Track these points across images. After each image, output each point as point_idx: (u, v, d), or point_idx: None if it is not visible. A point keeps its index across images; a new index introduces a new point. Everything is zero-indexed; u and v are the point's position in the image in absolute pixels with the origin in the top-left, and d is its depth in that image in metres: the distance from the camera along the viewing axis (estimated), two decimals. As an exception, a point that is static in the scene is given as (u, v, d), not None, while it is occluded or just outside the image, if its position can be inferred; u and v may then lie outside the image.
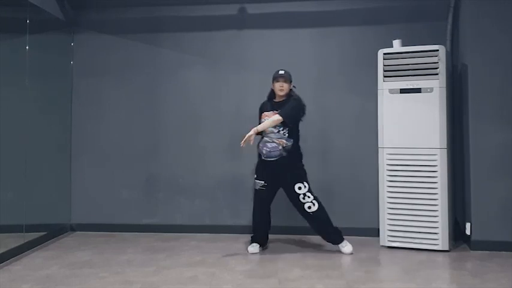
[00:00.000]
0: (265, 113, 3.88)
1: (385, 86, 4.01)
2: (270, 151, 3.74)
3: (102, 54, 4.76)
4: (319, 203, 3.79)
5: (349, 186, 4.47)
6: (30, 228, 4.00)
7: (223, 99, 4.61)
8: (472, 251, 3.86)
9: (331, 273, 3.30)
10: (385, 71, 4.00)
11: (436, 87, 3.86)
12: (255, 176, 3.90)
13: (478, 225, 3.89)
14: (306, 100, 4.51)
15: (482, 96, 3.93)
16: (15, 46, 3.99)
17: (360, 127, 4.45)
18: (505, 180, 3.86)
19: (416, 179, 3.88)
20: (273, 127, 3.75)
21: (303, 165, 3.86)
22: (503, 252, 3.79)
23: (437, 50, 3.86)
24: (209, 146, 4.63)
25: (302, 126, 4.51)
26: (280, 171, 3.77)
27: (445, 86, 3.87)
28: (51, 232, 4.37)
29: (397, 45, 4.04)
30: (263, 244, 3.95)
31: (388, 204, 3.97)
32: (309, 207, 3.76)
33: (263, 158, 3.80)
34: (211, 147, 4.62)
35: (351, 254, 3.77)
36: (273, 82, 3.89)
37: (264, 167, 3.83)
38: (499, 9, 3.94)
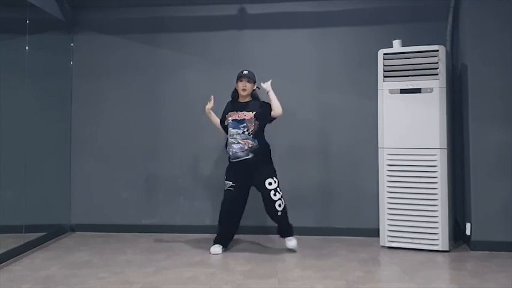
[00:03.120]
0: (229, 113, 3.91)
1: (385, 86, 4.01)
2: (236, 152, 3.80)
3: (102, 54, 4.76)
4: (284, 202, 3.84)
5: (349, 187, 4.46)
6: (29, 229, 4.00)
7: (223, 99, 4.59)
8: (471, 251, 3.86)
9: (331, 273, 3.30)
10: (385, 71, 4.00)
11: (436, 87, 3.86)
12: (225, 177, 3.94)
13: (478, 226, 3.89)
14: (306, 100, 4.54)
15: (482, 96, 3.93)
16: (15, 46, 3.99)
17: (360, 127, 4.45)
18: (505, 180, 3.85)
19: (416, 179, 3.88)
20: (237, 128, 3.80)
21: (272, 162, 3.91)
22: (503, 252, 3.79)
23: (437, 50, 3.86)
24: (209, 146, 4.63)
25: (302, 125, 4.53)
26: (249, 171, 3.81)
27: (445, 86, 3.87)
28: (51, 232, 4.36)
29: (397, 46, 4.04)
30: (225, 245, 3.95)
31: (388, 204, 3.97)
32: (279, 205, 3.80)
33: (231, 160, 3.86)
34: (211, 147, 4.62)
35: (293, 249, 3.84)
36: (236, 82, 3.93)
37: (233, 168, 3.88)
38: (499, 9, 3.94)
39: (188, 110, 4.66)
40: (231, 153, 3.84)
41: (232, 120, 3.86)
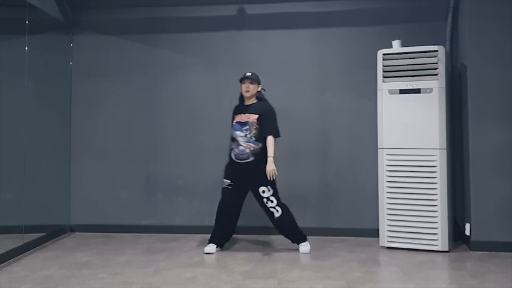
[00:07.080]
0: (235, 116, 3.93)
1: (384, 87, 4.01)
2: (239, 153, 3.82)
3: (102, 54, 4.76)
4: (282, 208, 3.83)
5: (349, 187, 4.46)
6: (29, 229, 3.99)
7: (222, 99, 4.60)
8: (471, 252, 3.86)
9: (330, 273, 3.30)
10: (384, 71, 4.00)
11: (435, 87, 3.86)
12: (223, 174, 3.97)
13: (478, 226, 3.89)
14: (306, 101, 4.54)
15: (481, 96, 3.93)
16: (15, 47, 3.99)
17: (359, 127, 4.45)
18: (504, 180, 3.85)
19: (416, 179, 3.88)
20: (240, 131, 3.82)
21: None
22: (503, 252, 3.79)
23: (437, 51, 3.86)
24: (209, 146, 4.63)
25: (302, 126, 4.53)
26: (247, 174, 3.83)
27: (444, 86, 3.87)
28: (50, 233, 4.36)
29: (396, 46, 4.04)
30: (221, 245, 3.95)
31: (388, 204, 3.97)
32: (272, 212, 3.83)
33: (233, 159, 3.86)
34: (211, 147, 4.62)
35: (307, 253, 3.83)
36: (240, 84, 3.92)
37: (232, 168, 3.89)
38: (499, 10, 3.94)
39: (188, 110, 4.66)
40: (233, 155, 3.86)
41: (236, 122, 3.87)
